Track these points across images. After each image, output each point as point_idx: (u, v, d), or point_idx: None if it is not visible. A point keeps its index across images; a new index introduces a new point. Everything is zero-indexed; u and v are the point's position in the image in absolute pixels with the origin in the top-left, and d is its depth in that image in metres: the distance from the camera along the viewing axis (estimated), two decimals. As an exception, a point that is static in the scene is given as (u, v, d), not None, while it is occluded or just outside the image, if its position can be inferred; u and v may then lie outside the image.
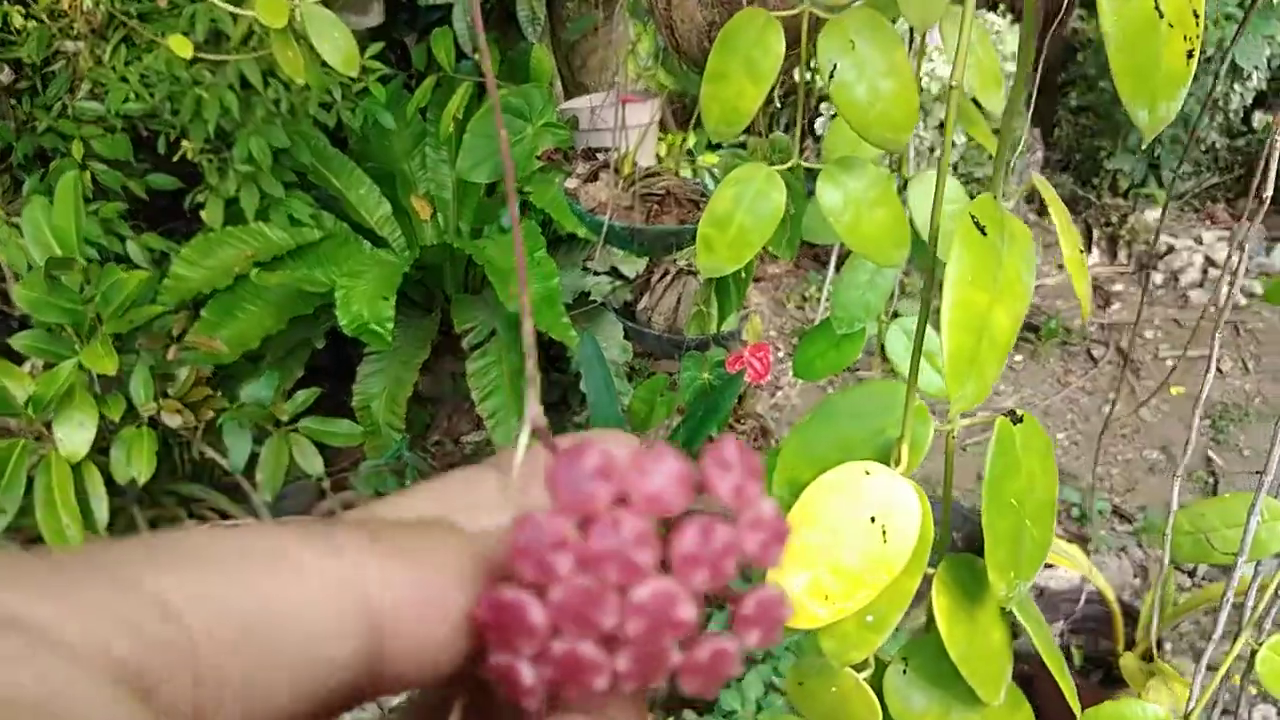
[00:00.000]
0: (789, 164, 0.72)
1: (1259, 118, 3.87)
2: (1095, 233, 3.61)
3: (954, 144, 2.96)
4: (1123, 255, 3.48)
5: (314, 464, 1.77)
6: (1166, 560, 0.61)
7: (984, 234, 0.35)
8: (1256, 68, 3.61)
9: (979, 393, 0.34)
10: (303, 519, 0.16)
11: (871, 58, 0.64)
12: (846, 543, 0.40)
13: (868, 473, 0.40)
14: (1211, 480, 2.39)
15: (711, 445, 0.16)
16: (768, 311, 3.17)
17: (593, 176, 1.60)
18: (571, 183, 1.59)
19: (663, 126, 2.28)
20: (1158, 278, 3.18)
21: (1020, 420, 0.43)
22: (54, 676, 0.12)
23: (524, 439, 0.18)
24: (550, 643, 0.15)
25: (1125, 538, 2.24)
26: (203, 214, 2.48)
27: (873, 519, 0.40)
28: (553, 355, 2.90)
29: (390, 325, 2.03)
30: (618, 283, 2.46)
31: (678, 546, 0.16)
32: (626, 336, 2.61)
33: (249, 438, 1.79)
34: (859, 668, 0.49)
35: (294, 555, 0.15)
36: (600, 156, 1.66)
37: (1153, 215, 3.71)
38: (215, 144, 2.42)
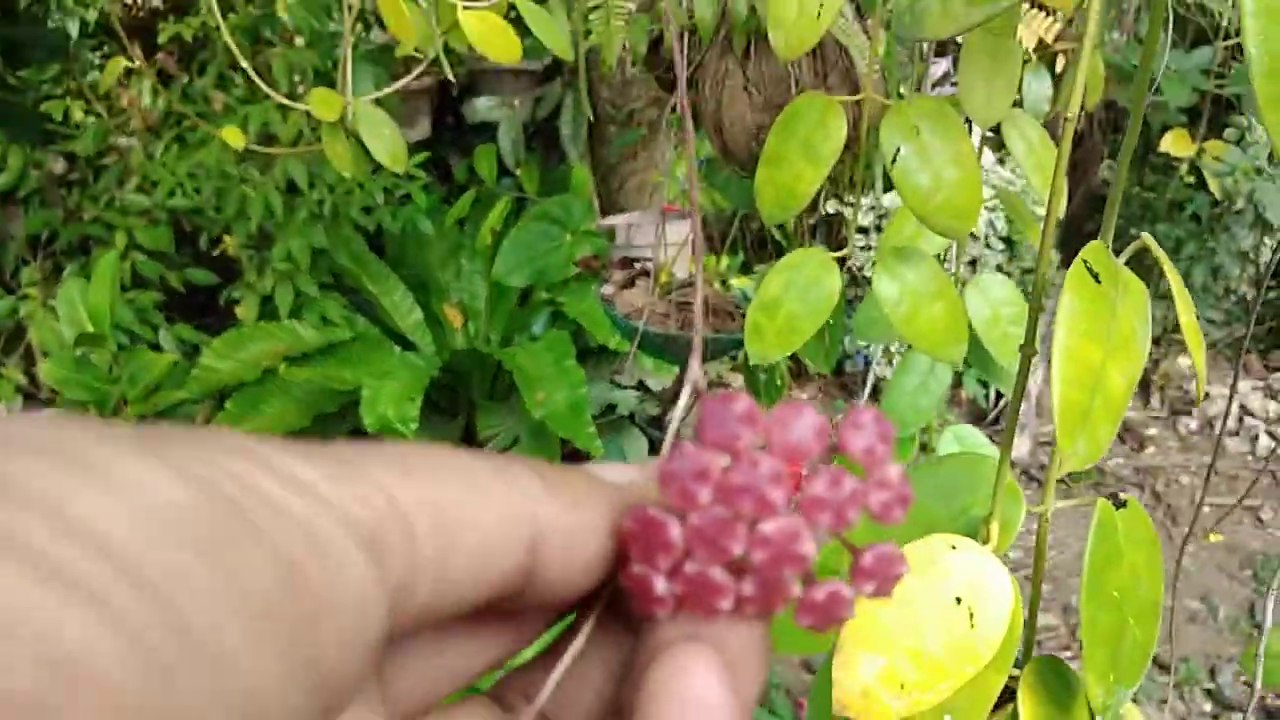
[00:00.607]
0: (843, 251, 0.70)
1: (1290, 271, 3.88)
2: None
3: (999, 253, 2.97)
4: (1155, 400, 3.43)
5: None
6: (1258, 687, 0.55)
7: (1097, 281, 0.32)
8: (1286, 221, 3.64)
9: (1091, 452, 0.31)
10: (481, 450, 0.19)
11: (935, 145, 0.62)
12: (928, 626, 0.36)
13: (953, 547, 0.36)
14: (1255, 632, 2.28)
15: (850, 411, 0.18)
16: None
17: (629, 283, 1.59)
18: (608, 289, 1.58)
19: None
20: (1193, 424, 3.12)
21: (1124, 505, 0.39)
22: (321, 525, 0.14)
23: (684, 398, 0.21)
24: (684, 562, 0.17)
25: (1165, 689, 2.13)
26: (237, 309, 2.51)
27: (958, 600, 0.36)
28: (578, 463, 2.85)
29: (414, 426, 2.01)
30: (645, 396, 2.44)
31: (808, 489, 0.17)
32: (651, 451, 2.57)
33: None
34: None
35: (482, 480, 0.16)
36: (637, 265, 1.66)
37: (1186, 362, 3.68)
38: (255, 241, 2.46)
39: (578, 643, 0.19)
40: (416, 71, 1.63)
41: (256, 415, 2.15)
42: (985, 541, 0.38)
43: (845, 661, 0.38)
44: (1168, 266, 0.35)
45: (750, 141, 1.03)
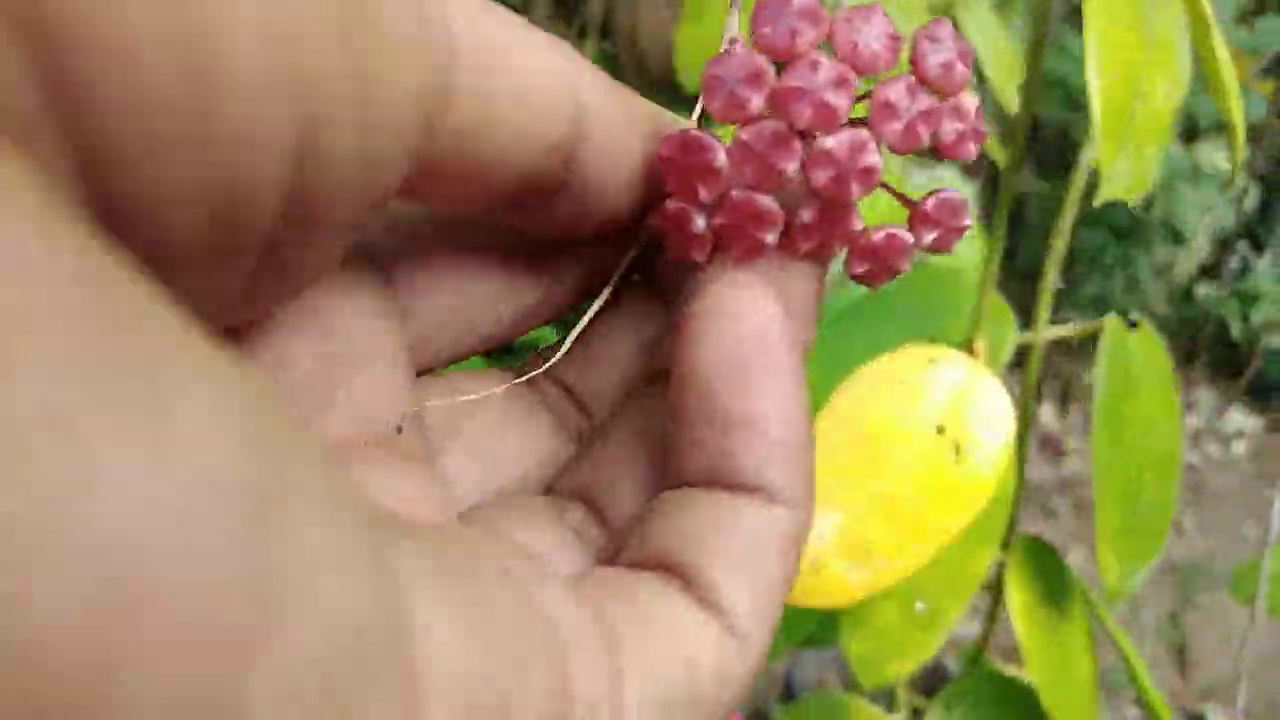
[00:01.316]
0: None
1: (1203, 289, 3.97)
2: (1045, 388, 3.59)
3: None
4: (1075, 412, 3.45)
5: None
6: (1260, 610, 0.47)
7: None
8: (1199, 237, 3.72)
9: (1137, 177, 0.22)
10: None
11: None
12: (899, 464, 0.27)
13: (932, 361, 0.27)
14: (1179, 640, 2.26)
15: (930, 22, 0.15)
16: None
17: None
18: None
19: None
20: (1112, 434, 3.14)
21: (1135, 325, 0.30)
22: None
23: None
24: (729, 194, 0.15)
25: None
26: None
27: (940, 429, 0.27)
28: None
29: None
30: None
31: (879, 94, 0.15)
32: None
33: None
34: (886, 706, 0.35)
35: (529, 31, 0.14)
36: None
37: (1103, 376, 3.73)
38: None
39: (605, 292, 0.17)
40: None
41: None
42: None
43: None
44: None
45: (670, 50, 0.95)
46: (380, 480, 0.14)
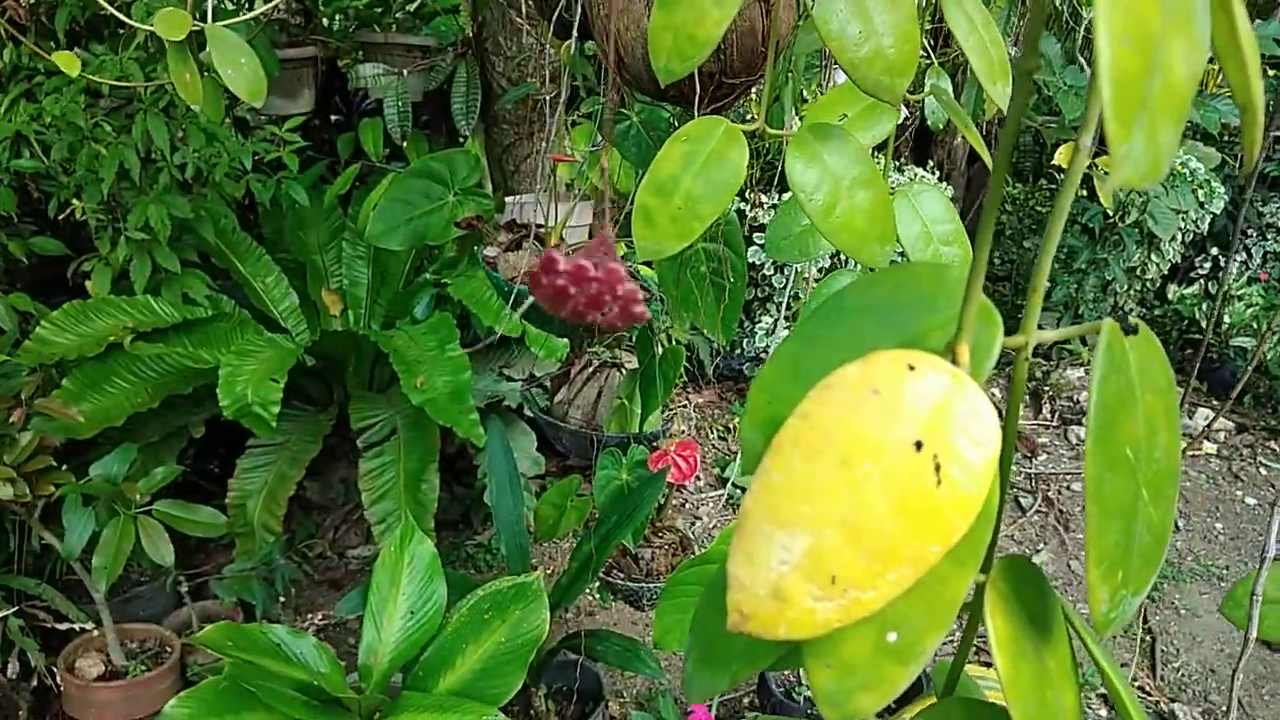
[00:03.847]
0: (753, 125, 0.58)
1: (1173, 290, 3.99)
2: (1019, 388, 3.60)
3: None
4: (1047, 410, 3.45)
5: (164, 553, 1.52)
6: (1252, 636, 0.45)
7: None
8: (1173, 238, 3.73)
9: (1152, 159, 0.20)
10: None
11: (866, -16, 0.51)
12: (873, 483, 0.24)
13: (911, 368, 0.25)
14: (1149, 638, 2.26)
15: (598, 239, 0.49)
16: (691, 438, 3.02)
17: (515, 246, 1.46)
18: (491, 251, 1.45)
19: (593, 235, 2.19)
20: (1083, 432, 3.14)
21: (1135, 331, 0.28)
22: None
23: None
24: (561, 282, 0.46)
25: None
26: (88, 284, 2.27)
27: (918, 444, 0.24)
28: (457, 469, 2.68)
29: (275, 409, 1.82)
30: (535, 389, 2.30)
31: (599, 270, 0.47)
32: (540, 449, 2.42)
33: (92, 518, 1.54)
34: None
35: None
36: (525, 230, 1.53)
37: (1075, 374, 3.73)
38: (109, 208, 2.24)
39: None
40: (273, 3, 1.47)
41: (98, 394, 1.93)
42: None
43: (749, 548, 0.25)
44: None
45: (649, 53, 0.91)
46: None
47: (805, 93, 1.69)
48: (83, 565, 1.74)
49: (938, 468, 0.24)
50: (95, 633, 1.88)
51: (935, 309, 0.28)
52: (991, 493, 0.26)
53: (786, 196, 0.64)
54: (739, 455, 2.86)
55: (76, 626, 1.91)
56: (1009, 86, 0.66)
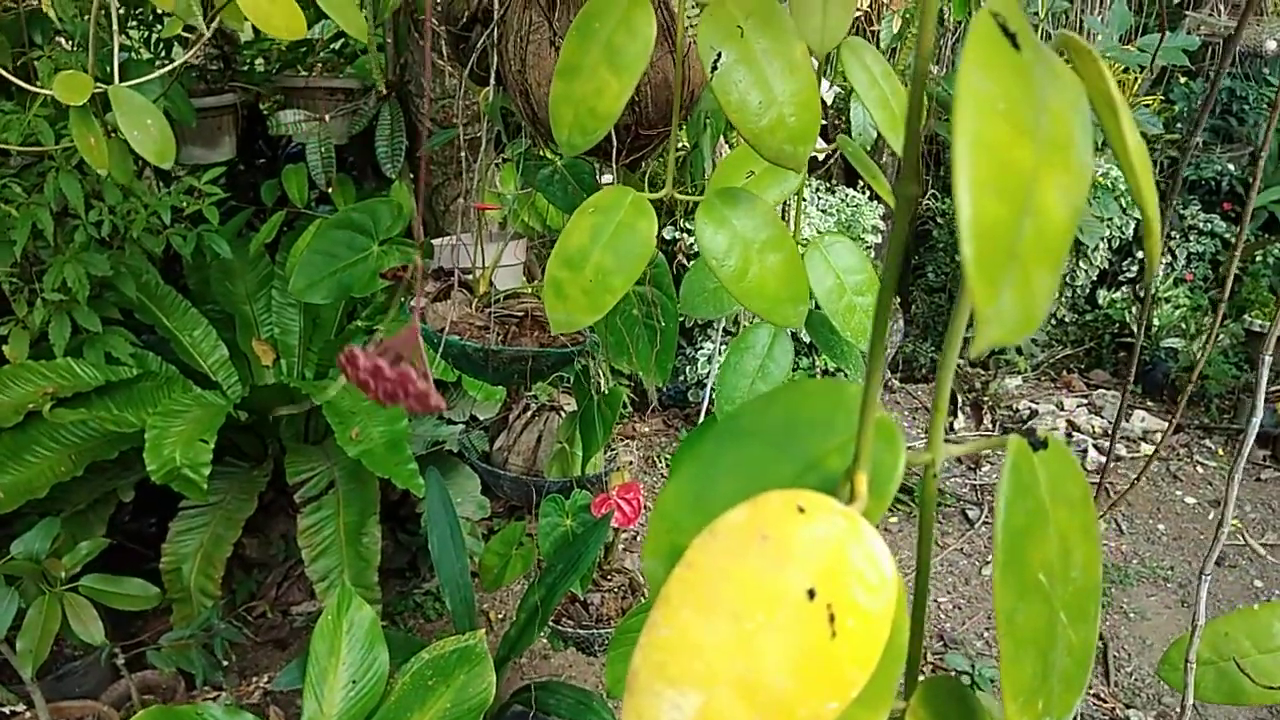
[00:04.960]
0: (660, 193, 0.57)
1: (1103, 295, 4.07)
2: (960, 398, 3.64)
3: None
4: (988, 420, 3.49)
5: (93, 631, 1.46)
6: (1188, 702, 0.44)
7: (1016, 47, 0.20)
8: (1097, 247, 3.81)
9: (1025, 311, 0.18)
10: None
11: (763, 47, 0.51)
12: (765, 638, 0.22)
13: (801, 509, 0.23)
14: (1100, 644, 2.28)
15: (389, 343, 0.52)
16: (639, 469, 3.00)
17: (443, 295, 1.43)
18: (419, 301, 1.42)
19: (528, 272, 2.17)
20: (1025, 441, 3.18)
21: (1044, 446, 0.26)
22: None
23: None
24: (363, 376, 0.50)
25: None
26: (4, 349, 2.19)
27: (810, 593, 0.23)
28: (401, 516, 2.63)
29: (206, 471, 1.77)
30: (474, 431, 2.26)
31: (392, 372, 0.49)
32: (485, 490, 2.38)
33: (15, 597, 1.47)
34: None
35: None
36: (452, 278, 1.50)
37: (1013, 382, 3.78)
38: (24, 270, 2.16)
39: None
40: (190, 53, 1.43)
41: (18, 465, 1.86)
42: (850, 501, 0.25)
43: (639, 707, 0.24)
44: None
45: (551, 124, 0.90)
46: None
47: (725, 137, 1.69)
48: (10, 646, 1.66)
49: (832, 618, 0.22)
50: (27, 715, 1.80)
51: (833, 429, 0.27)
52: (899, 628, 0.25)
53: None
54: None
55: (6, 709, 1.83)
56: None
